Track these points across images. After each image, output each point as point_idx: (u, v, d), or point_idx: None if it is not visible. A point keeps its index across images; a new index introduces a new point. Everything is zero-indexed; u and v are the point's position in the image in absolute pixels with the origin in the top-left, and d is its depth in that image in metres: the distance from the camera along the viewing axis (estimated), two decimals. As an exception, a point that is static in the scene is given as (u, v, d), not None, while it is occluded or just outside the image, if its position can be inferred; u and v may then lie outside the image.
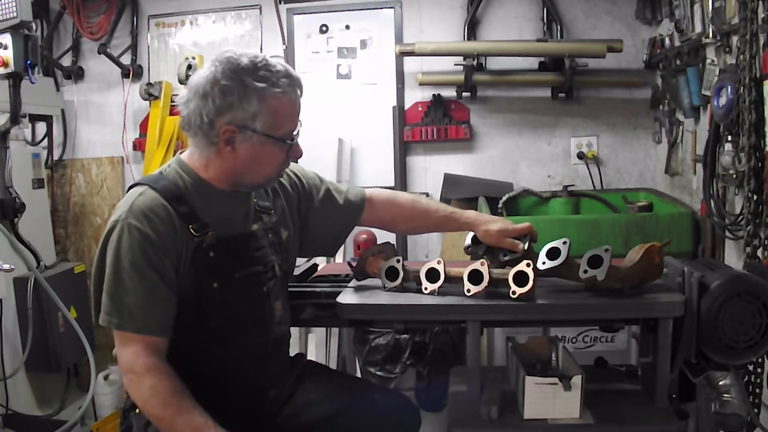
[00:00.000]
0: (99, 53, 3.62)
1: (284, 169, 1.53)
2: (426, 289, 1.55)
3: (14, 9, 2.34)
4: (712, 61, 2.44)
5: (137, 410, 1.47)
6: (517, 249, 1.58)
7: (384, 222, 1.77)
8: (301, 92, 1.44)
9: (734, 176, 2.17)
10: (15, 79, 2.49)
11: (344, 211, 1.71)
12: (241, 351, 1.48)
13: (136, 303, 1.34)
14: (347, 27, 3.59)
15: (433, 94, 3.51)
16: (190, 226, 1.40)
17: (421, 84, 3.46)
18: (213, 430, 1.30)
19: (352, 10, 3.57)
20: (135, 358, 1.34)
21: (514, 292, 1.44)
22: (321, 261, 3.16)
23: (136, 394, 1.36)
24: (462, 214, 1.70)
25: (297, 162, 1.61)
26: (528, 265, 1.45)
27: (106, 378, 3.19)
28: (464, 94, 3.47)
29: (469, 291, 1.48)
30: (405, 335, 2.74)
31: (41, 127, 3.57)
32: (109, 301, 1.36)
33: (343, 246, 3.42)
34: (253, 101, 1.36)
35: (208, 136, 1.39)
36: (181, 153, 1.52)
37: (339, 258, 3.37)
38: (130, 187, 1.46)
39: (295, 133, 1.45)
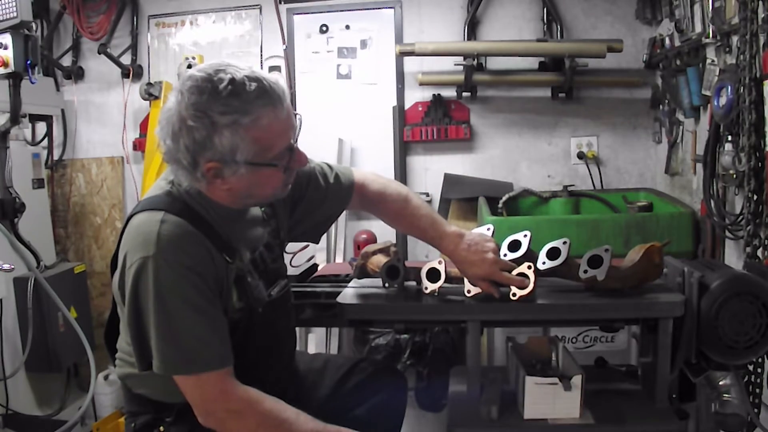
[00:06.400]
0: (99, 53, 3.62)
1: (291, 179, 1.36)
2: (426, 289, 1.55)
3: (14, 9, 2.34)
4: (712, 61, 2.44)
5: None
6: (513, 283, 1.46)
7: (368, 211, 1.66)
8: (283, 102, 1.25)
9: (734, 176, 2.17)
10: (15, 79, 2.49)
11: (331, 195, 1.56)
12: (279, 364, 1.48)
13: (200, 341, 1.23)
14: (347, 27, 3.58)
15: (433, 94, 3.50)
16: (223, 253, 1.30)
17: (421, 84, 3.46)
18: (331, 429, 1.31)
19: (352, 10, 3.57)
20: (225, 397, 1.25)
21: (514, 294, 1.44)
22: (321, 261, 3.17)
23: (240, 429, 1.28)
24: (444, 235, 1.54)
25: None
26: (529, 267, 1.45)
27: (106, 378, 3.18)
28: (464, 94, 3.47)
29: (469, 291, 1.48)
30: (405, 335, 2.73)
31: (41, 127, 3.57)
32: (166, 347, 1.22)
33: (343, 246, 3.46)
34: (224, 136, 1.20)
35: (193, 175, 1.26)
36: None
37: (339, 258, 3.38)
38: (136, 212, 1.30)
39: (292, 143, 1.29)
